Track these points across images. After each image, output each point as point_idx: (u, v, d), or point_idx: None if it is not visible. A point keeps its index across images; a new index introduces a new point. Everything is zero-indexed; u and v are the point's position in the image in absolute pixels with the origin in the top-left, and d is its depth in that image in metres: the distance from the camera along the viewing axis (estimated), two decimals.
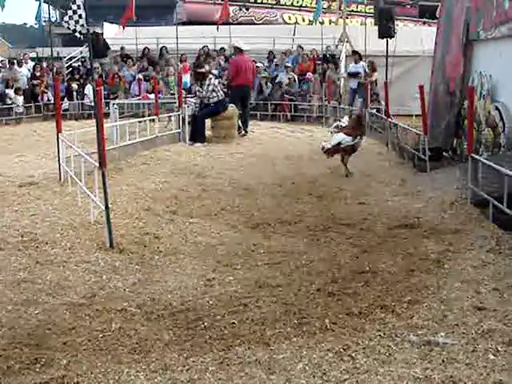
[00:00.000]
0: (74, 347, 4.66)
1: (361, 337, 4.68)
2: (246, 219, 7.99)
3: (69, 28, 7.47)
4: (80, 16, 7.32)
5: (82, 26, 7.34)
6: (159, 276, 6.07)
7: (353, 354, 4.40)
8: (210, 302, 5.47)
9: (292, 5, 39.16)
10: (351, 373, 4.15)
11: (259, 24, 36.16)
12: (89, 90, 20.64)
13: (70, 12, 7.40)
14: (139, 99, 18.42)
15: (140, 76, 21.47)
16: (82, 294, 5.62)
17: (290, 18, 38.57)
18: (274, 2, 38.93)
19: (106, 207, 6.75)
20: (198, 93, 14.80)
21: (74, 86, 21.53)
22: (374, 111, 16.32)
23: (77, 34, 7.40)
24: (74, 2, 7.30)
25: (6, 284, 5.81)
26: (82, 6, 7.29)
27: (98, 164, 7.10)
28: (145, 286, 5.83)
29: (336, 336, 4.74)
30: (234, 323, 5.03)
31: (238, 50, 15.96)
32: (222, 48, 23.12)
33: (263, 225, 7.74)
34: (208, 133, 14.54)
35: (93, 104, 20.42)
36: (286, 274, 6.16)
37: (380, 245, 6.88)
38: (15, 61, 22.53)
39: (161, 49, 23.32)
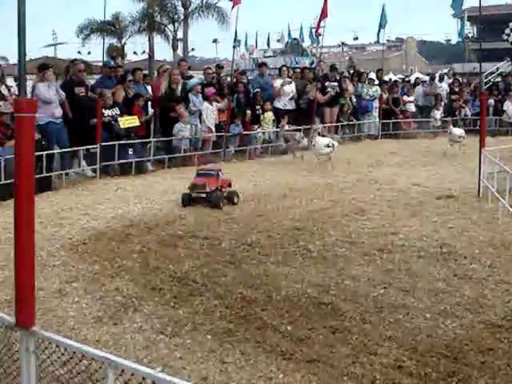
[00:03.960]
0: (491, 368, 4.51)
1: None
2: None
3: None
4: None
5: None
6: None
7: None
8: None
9: None
10: None
11: None
12: (508, 106, 20.00)
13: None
14: None
15: None
16: (502, 315, 5.40)
17: None
18: None
19: None
20: None
21: (491, 101, 21.10)
22: None
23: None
24: None
25: (424, 291, 5.91)
26: None
27: None
28: None
29: None
30: None
31: None
32: None
33: None
34: None
35: (511, 121, 19.85)
36: None
37: None
38: (437, 75, 22.99)
39: None
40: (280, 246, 7.31)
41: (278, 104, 15.97)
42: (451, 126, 15.13)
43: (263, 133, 15.19)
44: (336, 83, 17.53)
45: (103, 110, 11.89)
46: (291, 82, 16.32)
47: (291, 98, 16.25)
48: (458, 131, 15.00)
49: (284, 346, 4.84)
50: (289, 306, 5.57)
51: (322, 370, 4.48)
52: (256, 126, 15.13)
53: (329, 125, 16.85)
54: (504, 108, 20.64)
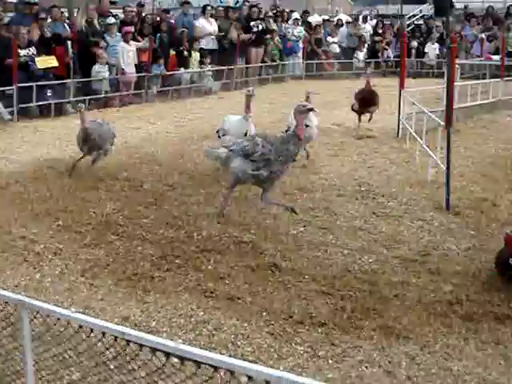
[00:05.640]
0: (403, 301, 4.70)
1: None
2: None
3: None
4: None
5: None
6: (495, 245, 5.78)
7: None
8: None
9: None
10: None
11: None
12: (429, 48, 20.35)
13: None
14: (481, 60, 17.62)
15: (483, 36, 20.50)
16: (415, 250, 5.62)
17: None
18: None
19: (447, 168, 6.60)
20: None
21: (414, 43, 21.38)
22: None
23: None
24: None
25: (343, 229, 6.07)
26: None
27: (442, 122, 6.96)
28: (479, 253, 5.62)
29: None
30: None
31: None
32: None
33: None
34: None
35: (431, 63, 20.21)
36: None
37: None
38: (360, 17, 23.02)
39: (508, 7, 21.93)
40: (202, 187, 7.32)
41: (201, 44, 15.70)
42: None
43: (187, 73, 14.97)
44: (260, 21, 17.39)
45: (19, 50, 11.41)
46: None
47: (214, 38, 16.01)
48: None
49: (205, 284, 4.91)
50: (210, 246, 5.63)
51: (242, 306, 4.58)
52: (182, 67, 14.88)
53: (253, 65, 16.78)
54: (426, 50, 20.96)
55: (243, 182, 6.30)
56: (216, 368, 2.25)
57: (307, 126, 7.11)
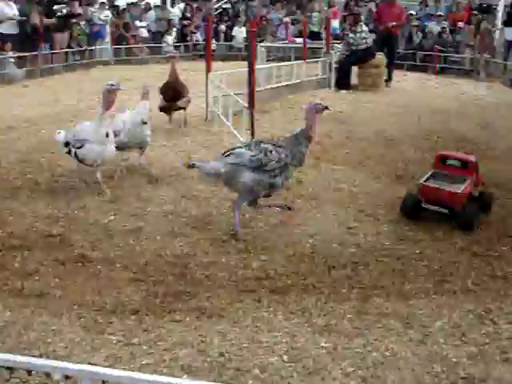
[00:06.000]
0: (215, 281, 4.83)
1: (504, 301, 4.53)
2: (390, 170, 7.82)
3: None
4: None
5: None
6: (300, 220, 6.11)
7: (494, 319, 4.27)
8: (351, 250, 5.45)
9: None
10: (492, 337, 4.03)
11: None
12: (236, 31, 20.83)
13: None
14: (286, 43, 18.35)
15: (287, 19, 21.35)
16: (225, 230, 5.76)
17: None
18: None
19: None
20: (346, 38, 14.51)
21: (222, 27, 21.79)
22: None
23: None
24: None
25: (154, 214, 6.08)
26: None
27: (246, 104, 7.17)
28: (286, 229, 5.89)
29: (478, 298, 4.61)
30: (373, 274, 5.01)
31: None
32: None
33: (407, 177, 7.55)
34: (354, 80, 14.27)
35: (240, 46, 20.70)
36: (429, 229, 6.00)
37: None
38: (168, 1, 22.98)
39: None
40: (6, 181, 6.97)
41: (0, 29, 14.85)
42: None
43: None
44: (64, 5, 16.81)
45: None
46: None
47: (15, 22, 15.20)
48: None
49: (12, 283, 4.70)
50: (17, 242, 5.40)
51: (52, 302, 4.45)
52: None
53: (58, 51, 16.19)
54: (233, 34, 21.43)
55: (257, 194, 5.66)
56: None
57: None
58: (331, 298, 4.59)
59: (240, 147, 5.69)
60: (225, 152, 5.66)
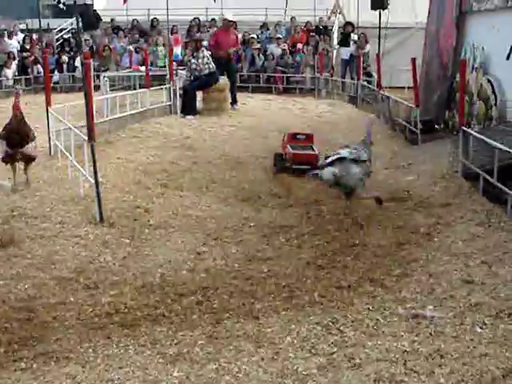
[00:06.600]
0: (63, 322, 4.68)
1: (349, 310, 4.72)
2: (237, 192, 7.97)
3: None
4: None
5: None
6: (149, 250, 6.08)
7: (341, 328, 4.44)
8: (201, 276, 5.49)
9: None
10: (339, 346, 4.18)
11: None
12: (79, 62, 20.44)
13: None
14: (130, 71, 18.23)
15: (131, 48, 21.24)
16: (72, 268, 5.61)
17: None
18: None
19: (96, 181, 6.71)
20: (189, 63, 14.67)
21: (65, 58, 21.28)
22: (366, 83, 16.35)
23: (60, 6, 7.25)
24: None
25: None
26: None
27: (87, 137, 7.04)
28: (135, 260, 5.84)
29: (325, 309, 4.77)
30: (223, 297, 5.06)
31: (227, 22, 15.75)
32: (213, 19, 22.83)
33: (254, 198, 7.73)
34: (199, 105, 14.44)
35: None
36: (276, 247, 6.18)
37: (370, 218, 6.89)
38: (5, 32, 22.09)
39: (152, 20, 23.02)
40: None
41: None
42: None
43: None
44: None
45: None
46: None
47: None
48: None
49: None
50: None
51: None
52: None
53: None
54: (76, 64, 20.98)
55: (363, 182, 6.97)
56: None
57: None
58: (182, 326, 4.59)
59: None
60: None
